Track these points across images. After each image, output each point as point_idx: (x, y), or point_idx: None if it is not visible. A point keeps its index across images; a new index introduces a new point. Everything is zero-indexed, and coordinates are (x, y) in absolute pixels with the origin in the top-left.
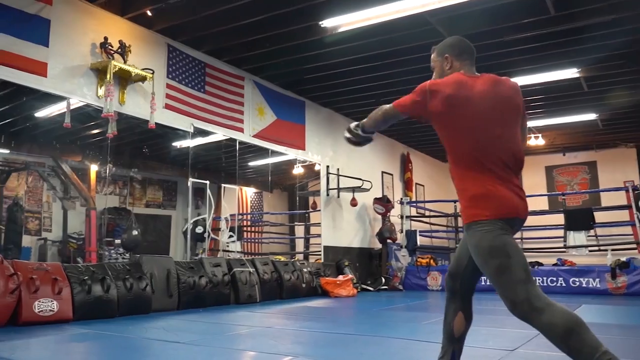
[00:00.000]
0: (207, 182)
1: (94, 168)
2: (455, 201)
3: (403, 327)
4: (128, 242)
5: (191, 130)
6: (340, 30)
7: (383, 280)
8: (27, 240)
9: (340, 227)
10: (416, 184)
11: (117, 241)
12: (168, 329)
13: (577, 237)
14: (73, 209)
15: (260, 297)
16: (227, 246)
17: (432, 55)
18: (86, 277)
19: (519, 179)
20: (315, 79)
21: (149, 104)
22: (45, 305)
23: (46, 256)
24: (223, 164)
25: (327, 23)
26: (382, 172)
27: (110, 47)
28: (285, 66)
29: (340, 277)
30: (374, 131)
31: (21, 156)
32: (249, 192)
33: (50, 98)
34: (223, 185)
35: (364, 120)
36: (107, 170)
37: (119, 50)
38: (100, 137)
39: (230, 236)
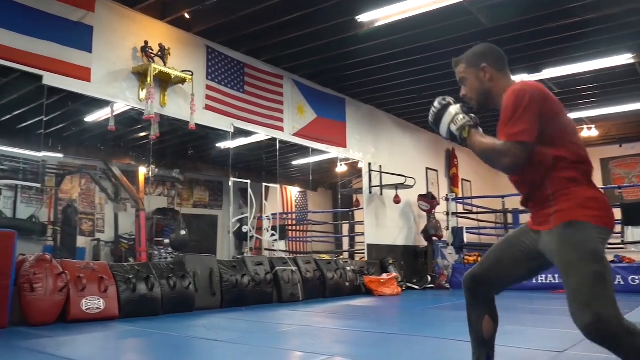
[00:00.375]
0: (248, 181)
1: (142, 170)
2: (503, 197)
3: (448, 327)
4: (176, 242)
5: (231, 130)
6: (377, 24)
7: (429, 278)
8: (81, 241)
9: (384, 225)
10: (462, 180)
11: (166, 241)
12: (210, 327)
13: (635, 233)
14: (124, 210)
15: (302, 296)
16: (272, 245)
17: (459, 68)
18: (131, 276)
19: None
20: (355, 75)
21: (189, 105)
22: (92, 303)
23: (100, 256)
24: (264, 163)
25: (363, 18)
26: (427, 169)
27: (150, 51)
28: (324, 63)
29: (384, 276)
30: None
31: (74, 160)
32: (294, 191)
33: (97, 103)
34: (264, 184)
35: (474, 134)
36: (151, 172)
37: (159, 53)
38: (147, 140)
39: (272, 235)
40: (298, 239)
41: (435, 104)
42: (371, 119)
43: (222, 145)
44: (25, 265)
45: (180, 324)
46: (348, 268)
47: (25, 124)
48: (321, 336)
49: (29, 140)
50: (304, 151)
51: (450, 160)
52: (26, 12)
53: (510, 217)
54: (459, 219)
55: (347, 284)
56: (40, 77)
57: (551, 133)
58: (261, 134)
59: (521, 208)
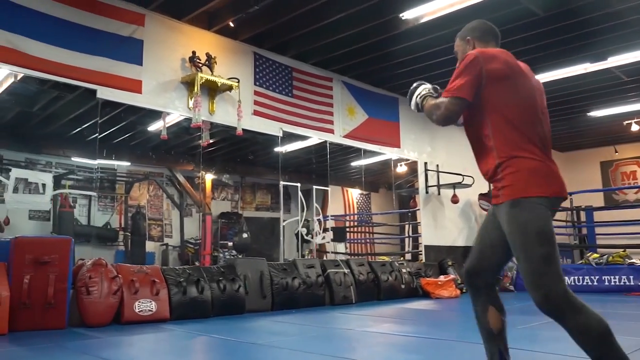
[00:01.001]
0: (298, 184)
1: (208, 176)
2: (570, 194)
3: (465, 327)
4: (239, 245)
5: (280, 134)
6: (422, 20)
7: None
8: (150, 246)
9: (443, 226)
10: None
11: (230, 244)
12: (258, 330)
13: None
14: (190, 215)
15: (355, 298)
16: (334, 247)
17: (456, 42)
18: (182, 279)
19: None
20: (406, 73)
21: (236, 111)
22: (145, 306)
23: (168, 261)
24: (314, 166)
25: (407, 15)
26: None
27: (198, 60)
28: (374, 63)
29: (442, 278)
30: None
31: (141, 167)
32: (355, 193)
33: (156, 113)
34: (314, 187)
35: (428, 100)
36: (201, 177)
37: (206, 62)
38: (209, 147)
39: (323, 237)
40: (358, 241)
41: (416, 83)
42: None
43: (285, 149)
44: (83, 270)
45: (229, 326)
46: (404, 270)
47: (92, 136)
48: (362, 339)
49: (94, 149)
50: (359, 153)
51: None
52: (81, 31)
53: (583, 214)
54: None
55: (403, 286)
56: (94, 92)
57: (495, 96)
58: (314, 138)
59: (595, 205)
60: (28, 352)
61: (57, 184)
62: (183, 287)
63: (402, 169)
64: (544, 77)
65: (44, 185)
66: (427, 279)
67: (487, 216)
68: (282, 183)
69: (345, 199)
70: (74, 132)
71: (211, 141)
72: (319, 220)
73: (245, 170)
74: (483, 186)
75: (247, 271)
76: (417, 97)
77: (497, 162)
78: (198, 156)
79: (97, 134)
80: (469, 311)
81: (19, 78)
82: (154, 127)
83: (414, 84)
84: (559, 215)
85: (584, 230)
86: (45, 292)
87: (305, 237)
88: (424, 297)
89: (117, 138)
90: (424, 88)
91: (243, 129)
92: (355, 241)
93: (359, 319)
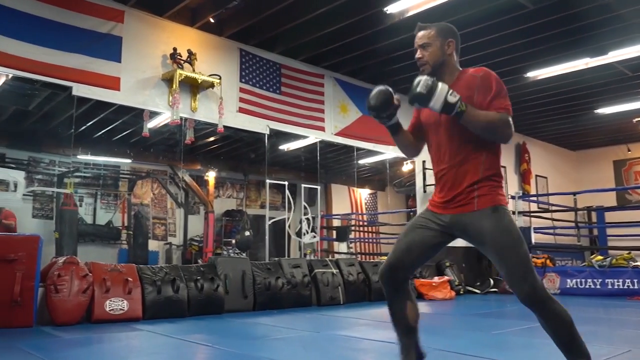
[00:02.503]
0: (286, 182)
1: (211, 174)
2: (574, 193)
3: (463, 336)
4: (241, 242)
5: (267, 132)
6: (408, 14)
7: (492, 282)
8: (154, 245)
9: None
10: (536, 176)
11: (234, 241)
12: (212, 331)
13: None
14: (197, 213)
15: (344, 299)
16: (338, 247)
17: (427, 32)
18: (157, 279)
19: None
20: (402, 69)
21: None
22: (116, 305)
23: (172, 259)
24: (303, 164)
25: (391, 9)
26: None
27: (179, 57)
28: (367, 59)
29: (436, 279)
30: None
31: (143, 165)
32: (364, 192)
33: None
34: (303, 185)
35: (470, 107)
36: (180, 175)
37: (188, 59)
38: (214, 145)
39: (314, 236)
40: (363, 240)
41: (425, 78)
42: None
43: (288, 147)
44: (53, 268)
45: (198, 327)
46: None
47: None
48: (343, 345)
49: (94, 146)
50: (363, 152)
51: (521, 156)
52: (57, 28)
53: (594, 215)
54: (530, 218)
55: None
56: (69, 88)
57: None
58: (310, 137)
59: (606, 205)
60: None
61: (60, 182)
62: (158, 286)
63: (408, 167)
64: (542, 72)
65: (15, 183)
66: (422, 280)
67: (420, 218)
68: (268, 181)
69: (351, 198)
70: (72, 130)
71: (193, 139)
72: (307, 219)
73: (249, 168)
74: None
75: (228, 270)
76: (449, 95)
77: (481, 176)
78: (204, 154)
79: (99, 133)
80: (462, 315)
81: (10, 77)
82: (152, 124)
83: (429, 79)
84: (566, 215)
85: (595, 231)
86: (11, 290)
87: (294, 236)
88: (417, 299)
89: (117, 135)
90: (449, 89)
91: (228, 127)
92: (360, 240)
93: (338, 321)
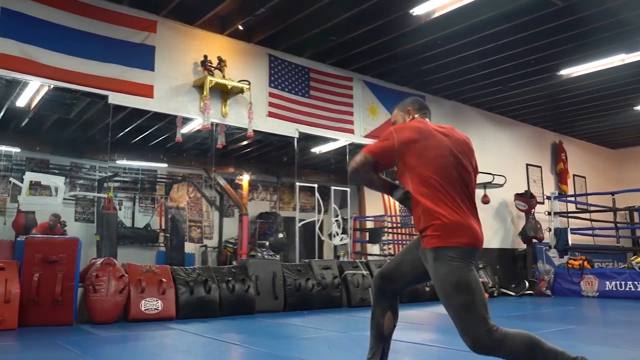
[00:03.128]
0: (315, 185)
1: (245, 178)
2: (613, 193)
3: None
4: (275, 244)
5: (296, 135)
6: (435, 15)
7: (527, 284)
8: (190, 247)
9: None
10: (574, 175)
11: (267, 243)
12: (250, 330)
13: None
14: (232, 216)
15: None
16: (370, 249)
17: (393, 113)
18: (190, 279)
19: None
20: (432, 70)
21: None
22: (151, 304)
23: (207, 261)
24: (333, 166)
25: (417, 10)
26: (527, 165)
27: (210, 64)
28: (395, 61)
29: None
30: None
31: (179, 169)
32: None
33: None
34: (332, 187)
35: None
36: (212, 177)
37: (218, 65)
38: (245, 149)
39: (342, 239)
40: (396, 242)
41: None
42: (456, 115)
43: (319, 150)
44: (91, 269)
45: (229, 326)
46: None
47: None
48: (340, 342)
49: (130, 152)
50: None
51: (557, 155)
52: (94, 40)
53: (636, 215)
54: (568, 219)
55: (427, 289)
56: (105, 97)
57: (410, 158)
58: (340, 140)
59: None
60: (19, 347)
61: (100, 186)
62: (190, 286)
63: None
64: (576, 70)
65: (56, 188)
66: None
67: (415, 242)
68: (298, 184)
69: (384, 200)
70: (109, 137)
71: (224, 144)
72: (337, 221)
73: (281, 171)
74: (517, 186)
75: (259, 272)
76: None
77: (419, 214)
78: (238, 158)
79: (135, 139)
80: (497, 317)
81: (51, 87)
82: (185, 130)
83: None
84: (606, 216)
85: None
86: (53, 290)
87: (322, 238)
88: None
89: (152, 141)
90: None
91: (258, 131)
92: (393, 242)
93: (367, 322)
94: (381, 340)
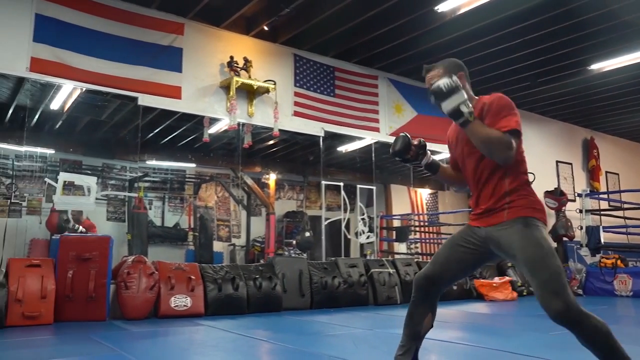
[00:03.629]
0: (341, 184)
1: (272, 177)
2: None
3: (519, 336)
4: (302, 243)
5: (322, 134)
6: (460, 12)
7: None
8: (218, 246)
9: None
10: (606, 172)
11: (294, 242)
12: (280, 326)
13: None
14: (259, 215)
15: (401, 299)
16: (398, 248)
17: (436, 72)
18: (218, 277)
19: None
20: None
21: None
22: (180, 301)
23: (235, 260)
24: (358, 165)
25: (442, 7)
26: (557, 162)
27: (236, 65)
28: (420, 58)
29: (497, 279)
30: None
31: (207, 169)
32: (424, 192)
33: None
34: (358, 186)
35: (477, 121)
36: (240, 177)
37: (244, 66)
38: (271, 149)
39: (368, 237)
40: (423, 240)
41: (450, 80)
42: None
43: (346, 148)
44: (123, 266)
45: (256, 323)
46: None
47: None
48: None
49: (159, 152)
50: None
51: (589, 151)
52: (124, 43)
53: None
54: (600, 216)
55: (455, 287)
56: (135, 99)
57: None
58: (366, 138)
59: None
60: (56, 340)
61: (131, 186)
62: (218, 284)
63: None
64: (607, 64)
65: (88, 188)
66: (481, 280)
67: (461, 235)
68: (323, 182)
69: (411, 199)
70: (139, 138)
71: (251, 143)
72: (363, 219)
73: (308, 170)
74: (547, 183)
75: (286, 270)
76: (462, 105)
77: (507, 189)
78: (265, 158)
79: (164, 139)
80: (521, 316)
81: (84, 90)
82: (212, 130)
83: (454, 82)
84: (635, 213)
85: None
86: (86, 286)
87: (348, 236)
88: (477, 300)
89: (180, 142)
90: (467, 98)
91: (284, 130)
92: (421, 241)
93: (393, 320)
94: (415, 339)
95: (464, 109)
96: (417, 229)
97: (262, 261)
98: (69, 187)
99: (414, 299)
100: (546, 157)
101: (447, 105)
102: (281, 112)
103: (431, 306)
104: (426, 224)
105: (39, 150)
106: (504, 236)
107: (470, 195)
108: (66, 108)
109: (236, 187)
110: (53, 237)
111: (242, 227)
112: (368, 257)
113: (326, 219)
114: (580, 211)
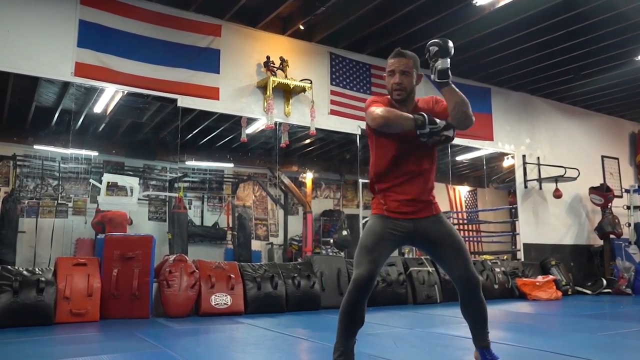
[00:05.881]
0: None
1: (308, 176)
2: None
3: (563, 337)
4: (339, 242)
5: (358, 132)
6: (499, 5)
7: (604, 282)
8: (257, 245)
9: (546, 222)
10: None
11: (332, 240)
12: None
13: None
14: (296, 214)
15: (441, 298)
16: None
17: (407, 61)
18: (257, 275)
19: None
20: (497, 61)
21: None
22: (221, 299)
23: (273, 258)
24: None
25: (481, 1)
26: (603, 157)
27: (272, 65)
28: (458, 53)
29: (540, 278)
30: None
31: (244, 169)
32: (463, 190)
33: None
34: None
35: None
36: (277, 176)
37: (280, 66)
38: (308, 148)
39: None
40: (463, 239)
41: (450, 43)
42: (524, 107)
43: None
44: (165, 265)
45: (296, 321)
46: (497, 269)
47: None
48: (458, 345)
49: (198, 153)
50: (460, 148)
51: (636, 145)
52: (163, 46)
53: None
54: None
55: (496, 286)
56: (174, 100)
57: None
58: None
59: None
60: (102, 337)
61: (171, 187)
62: (258, 282)
63: (508, 162)
64: None
65: (131, 189)
66: (524, 279)
67: (384, 228)
68: (360, 180)
69: (450, 196)
70: (178, 139)
71: (288, 143)
72: None
73: (345, 169)
74: (592, 179)
75: (324, 268)
76: (449, 70)
77: (431, 186)
78: (301, 157)
79: (203, 140)
80: (566, 316)
81: (125, 93)
82: (250, 130)
83: (451, 45)
84: None
85: None
86: (130, 285)
87: None
88: (519, 299)
89: (218, 142)
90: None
91: (320, 129)
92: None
93: (432, 319)
94: (355, 334)
95: (450, 73)
96: (456, 226)
97: (300, 260)
98: (112, 187)
99: (357, 300)
100: (591, 152)
101: (444, 63)
102: (317, 110)
103: (366, 302)
104: (465, 221)
105: (84, 152)
106: (434, 227)
107: (385, 180)
108: (109, 111)
109: (273, 187)
110: (98, 236)
111: (280, 225)
112: (406, 256)
113: (363, 217)
114: (628, 207)
